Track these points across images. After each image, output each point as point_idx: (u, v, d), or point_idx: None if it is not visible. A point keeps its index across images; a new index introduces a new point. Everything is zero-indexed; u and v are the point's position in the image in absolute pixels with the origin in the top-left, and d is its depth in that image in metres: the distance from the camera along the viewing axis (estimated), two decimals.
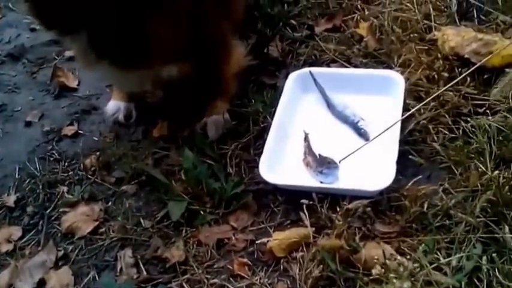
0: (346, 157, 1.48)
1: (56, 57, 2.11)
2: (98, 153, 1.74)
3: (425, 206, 1.37)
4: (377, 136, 1.47)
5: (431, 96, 1.51)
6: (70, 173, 1.71)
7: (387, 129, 1.44)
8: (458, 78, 1.49)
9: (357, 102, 1.67)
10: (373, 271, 1.23)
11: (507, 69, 1.55)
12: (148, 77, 1.61)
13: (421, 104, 1.50)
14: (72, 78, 2.01)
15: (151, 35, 1.44)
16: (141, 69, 1.54)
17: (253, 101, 1.74)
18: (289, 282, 1.34)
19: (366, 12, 1.99)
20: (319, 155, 1.52)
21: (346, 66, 1.82)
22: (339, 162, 1.49)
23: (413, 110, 1.49)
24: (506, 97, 1.53)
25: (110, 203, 1.61)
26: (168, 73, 1.57)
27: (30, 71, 2.09)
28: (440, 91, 1.51)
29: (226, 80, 1.75)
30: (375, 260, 1.25)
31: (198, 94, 1.74)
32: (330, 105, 1.69)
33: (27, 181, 1.70)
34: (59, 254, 1.51)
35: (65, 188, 1.66)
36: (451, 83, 1.47)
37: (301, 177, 1.52)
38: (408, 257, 1.28)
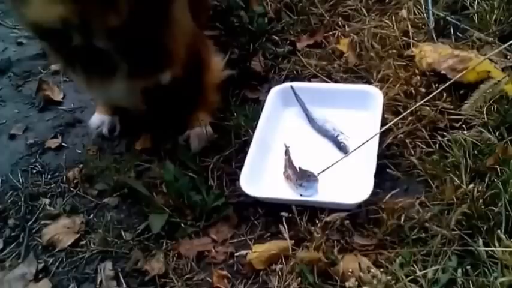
0: (324, 170, 1.47)
1: (42, 70, 2.10)
2: (80, 165, 1.72)
3: (402, 218, 1.37)
4: (355, 149, 1.46)
5: (408, 110, 1.51)
6: (52, 185, 1.69)
7: (364, 142, 1.44)
8: (435, 93, 1.50)
9: (336, 117, 1.66)
10: (347, 284, 1.22)
11: (482, 85, 1.55)
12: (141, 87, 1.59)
13: (398, 118, 1.50)
14: (57, 92, 2.00)
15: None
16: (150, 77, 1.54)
17: (235, 114, 1.73)
18: None
19: (347, 29, 1.99)
20: (300, 168, 1.52)
21: (327, 81, 1.82)
22: (318, 175, 1.48)
23: (390, 123, 1.49)
24: (482, 112, 1.54)
25: (91, 216, 1.59)
26: (165, 80, 1.55)
27: (16, 84, 2.08)
28: (417, 105, 1.51)
29: (208, 91, 1.74)
30: (349, 273, 1.25)
31: (180, 106, 1.73)
32: (310, 119, 1.69)
33: (9, 193, 1.69)
34: (39, 266, 1.49)
35: (47, 201, 1.65)
36: (427, 97, 1.47)
37: (281, 190, 1.52)
38: (385, 269, 1.27)
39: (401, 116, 1.51)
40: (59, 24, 1.32)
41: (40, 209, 1.63)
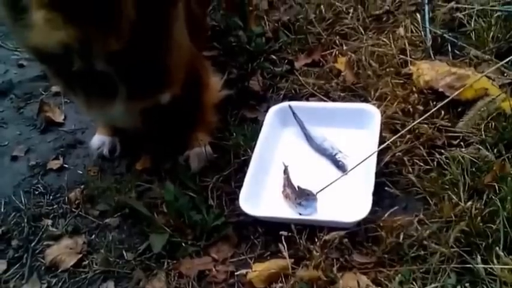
0: (323, 189, 1.48)
1: (43, 92, 2.11)
2: (82, 186, 1.73)
3: (401, 236, 1.37)
4: (352, 168, 1.47)
5: (406, 128, 1.52)
6: (55, 206, 1.70)
7: (363, 161, 1.44)
8: (432, 110, 1.50)
9: (335, 135, 1.67)
10: None
11: (479, 103, 1.55)
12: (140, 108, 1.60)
13: (396, 136, 1.51)
14: (58, 113, 2.01)
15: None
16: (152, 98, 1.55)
17: (234, 134, 1.74)
18: None
19: (344, 48, 2.01)
20: (298, 187, 1.52)
21: (325, 100, 1.83)
22: (316, 194, 1.48)
23: (388, 142, 1.49)
24: (479, 129, 1.54)
25: (93, 236, 1.60)
26: (164, 100, 1.56)
27: (18, 106, 2.09)
28: (414, 123, 1.51)
29: (207, 111, 1.75)
30: None
31: (179, 126, 1.74)
32: (308, 138, 1.69)
33: (12, 215, 1.69)
34: (42, 287, 1.49)
35: (50, 222, 1.65)
36: (425, 115, 1.48)
37: (280, 209, 1.52)
38: (384, 287, 1.28)
39: (399, 134, 1.51)
40: (60, 49, 1.33)
41: (43, 229, 1.64)
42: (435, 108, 1.54)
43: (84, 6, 1.26)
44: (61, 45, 1.32)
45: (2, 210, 1.71)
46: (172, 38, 1.48)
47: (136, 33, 1.34)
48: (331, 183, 1.47)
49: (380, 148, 1.51)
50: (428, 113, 1.53)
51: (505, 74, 1.70)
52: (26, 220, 1.66)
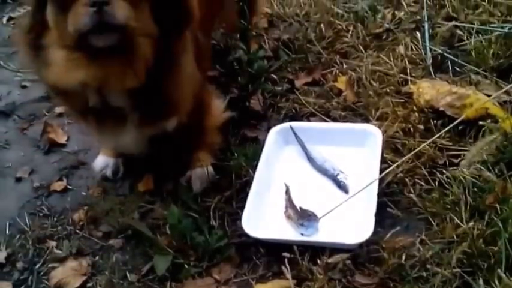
0: (326, 214, 1.47)
1: (46, 113, 2.10)
2: (85, 207, 1.72)
3: (404, 257, 1.37)
4: (356, 194, 1.46)
5: (412, 153, 1.50)
6: (59, 228, 1.69)
7: (366, 186, 1.44)
8: (438, 135, 1.49)
9: (336, 155, 1.67)
10: None
11: (481, 122, 1.56)
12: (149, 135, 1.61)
13: (400, 161, 1.50)
14: (61, 134, 2.00)
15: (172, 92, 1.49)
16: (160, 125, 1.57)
17: (235, 154, 1.74)
18: None
19: (344, 66, 2.01)
20: (300, 208, 1.52)
21: (326, 120, 1.83)
22: (320, 218, 1.48)
23: (393, 166, 1.49)
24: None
25: (97, 257, 1.59)
26: (171, 126, 1.58)
27: (21, 127, 2.08)
28: (420, 147, 1.50)
29: (209, 133, 1.75)
30: None
31: (182, 148, 1.74)
32: (310, 159, 1.69)
33: (17, 237, 1.68)
34: None
35: (54, 243, 1.65)
36: (431, 140, 1.47)
37: (282, 230, 1.52)
38: None
39: (403, 159, 1.50)
40: (78, 88, 1.38)
41: (47, 251, 1.63)
42: (441, 133, 1.54)
43: (103, 47, 1.30)
44: (80, 84, 1.36)
45: (7, 232, 1.71)
46: (182, 68, 1.50)
47: (152, 69, 1.38)
48: (335, 208, 1.46)
49: (383, 174, 1.50)
50: (435, 137, 1.51)
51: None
52: (30, 242, 1.65)
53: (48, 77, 1.40)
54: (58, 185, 1.83)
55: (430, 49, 1.95)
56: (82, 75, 1.34)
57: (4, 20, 2.65)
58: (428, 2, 2.20)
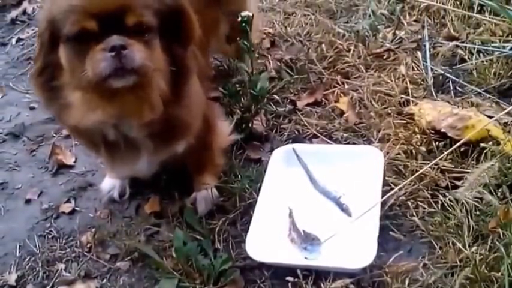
0: (329, 238, 1.44)
1: (54, 134, 2.08)
2: (93, 230, 1.70)
3: (407, 282, 1.34)
4: (358, 218, 1.42)
5: (415, 175, 1.47)
6: (67, 250, 1.67)
7: (369, 210, 1.40)
8: (440, 157, 1.46)
9: (338, 177, 1.64)
10: None
11: (482, 144, 1.53)
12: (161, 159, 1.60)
13: (403, 185, 1.47)
14: (69, 156, 1.98)
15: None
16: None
17: (239, 176, 1.71)
18: None
19: (346, 86, 1.97)
20: (304, 231, 1.49)
21: (328, 141, 1.79)
22: (324, 241, 1.45)
23: (396, 189, 1.46)
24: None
25: (104, 280, 1.57)
26: (181, 149, 1.56)
27: (30, 148, 2.05)
28: (423, 169, 1.47)
29: (215, 154, 1.73)
30: None
31: (188, 169, 1.72)
32: (312, 181, 1.66)
33: (27, 259, 1.66)
34: None
35: (63, 266, 1.63)
36: (433, 162, 1.43)
37: (286, 253, 1.49)
38: None
39: (406, 182, 1.47)
40: (97, 126, 1.37)
41: (56, 274, 1.61)
42: (444, 155, 1.51)
43: (119, 86, 1.28)
44: (99, 123, 1.35)
45: (17, 254, 1.69)
46: (190, 92, 1.48)
47: (167, 101, 1.37)
48: (337, 233, 1.44)
49: (386, 197, 1.47)
50: (437, 159, 1.48)
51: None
52: (40, 264, 1.64)
53: (68, 119, 1.38)
54: (66, 207, 1.80)
55: (431, 69, 1.91)
56: (102, 115, 1.33)
57: (13, 41, 2.63)
58: (429, 21, 2.17)
